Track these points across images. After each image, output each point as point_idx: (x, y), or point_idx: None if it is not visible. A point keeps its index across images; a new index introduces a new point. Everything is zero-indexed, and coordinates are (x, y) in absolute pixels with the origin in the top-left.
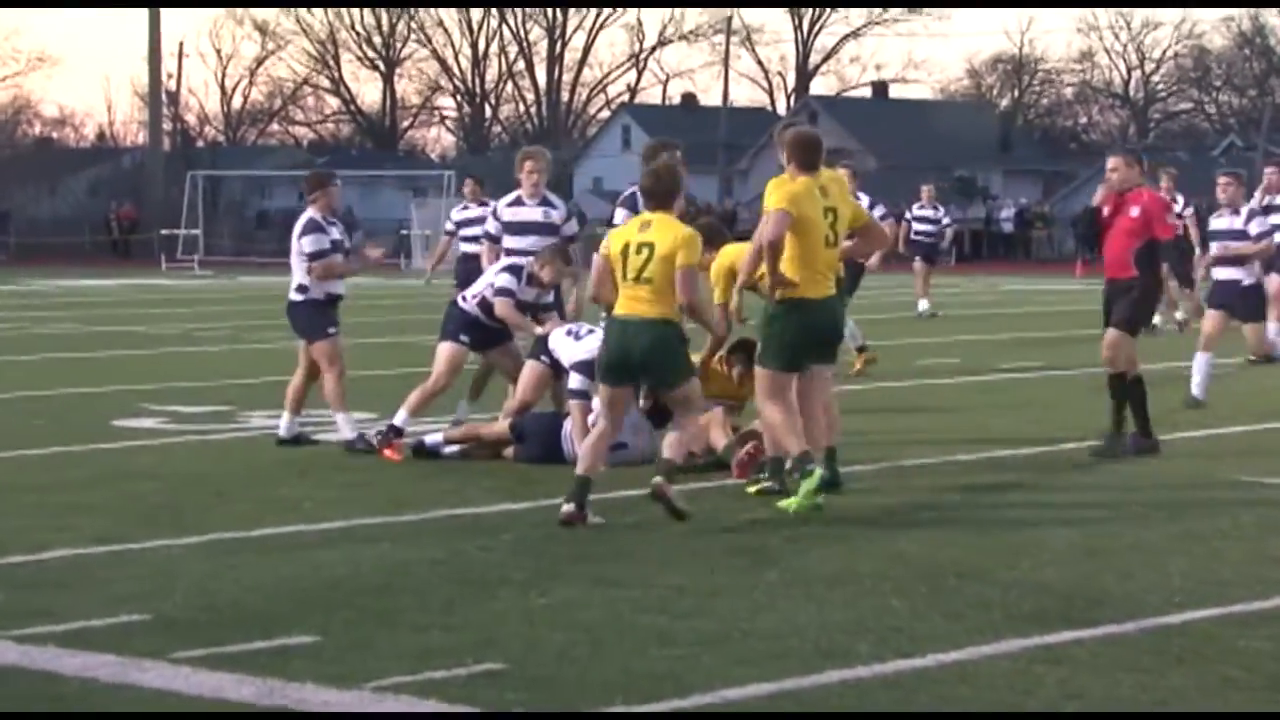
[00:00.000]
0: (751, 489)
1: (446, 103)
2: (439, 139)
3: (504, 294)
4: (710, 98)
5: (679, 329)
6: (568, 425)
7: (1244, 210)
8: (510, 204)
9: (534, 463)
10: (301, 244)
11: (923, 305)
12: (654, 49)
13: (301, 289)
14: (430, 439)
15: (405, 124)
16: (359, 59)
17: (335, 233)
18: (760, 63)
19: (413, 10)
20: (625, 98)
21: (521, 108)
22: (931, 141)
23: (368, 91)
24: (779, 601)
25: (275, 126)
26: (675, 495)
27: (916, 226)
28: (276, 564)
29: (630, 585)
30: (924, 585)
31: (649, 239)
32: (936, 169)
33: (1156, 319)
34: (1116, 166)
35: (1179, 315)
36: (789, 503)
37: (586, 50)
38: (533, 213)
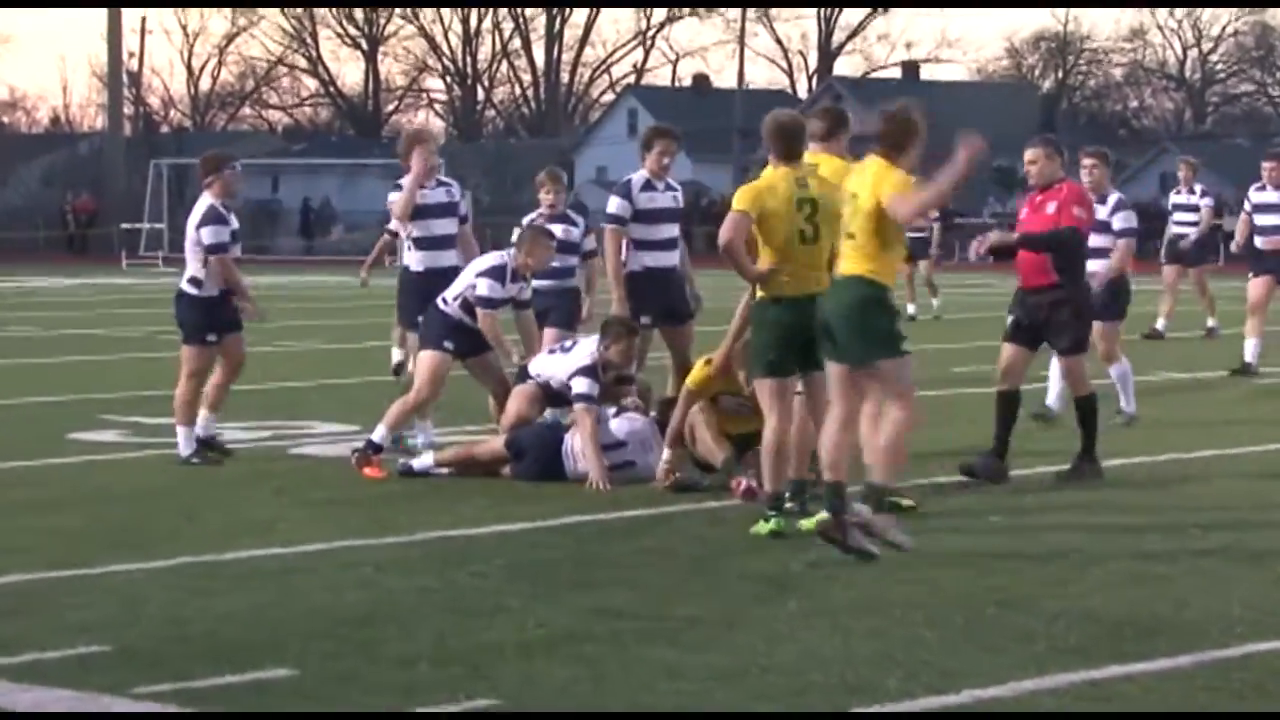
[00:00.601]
0: (764, 529)
1: (435, 84)
2: (427, 124)
3: (486, 304)
4: (724, 79)
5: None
6: (569, 440)
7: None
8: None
9: (532, 480)
10: (200, 234)
11: (910, 309)
12: (662, 26)
13: (194, 282)
14: (419, 463)
15: (390, 108)
16: (339, 36)
17: (234, 222)
18: (779, 41)
19: None
20: (631, 79)
21: (517, 90)
22: (966, 127)
23: (349, 72)
24: (800, 632)
25: (247, 110)
26: (884, 526)
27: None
28: (250, 591)
29: (637, 615)
30: (959, 615)
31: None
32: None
33: (1160, 323)
34: (1035, 159)
35: (1210, 323)
36: (811, 522)
37: (589, 27)
38: (553, 230)
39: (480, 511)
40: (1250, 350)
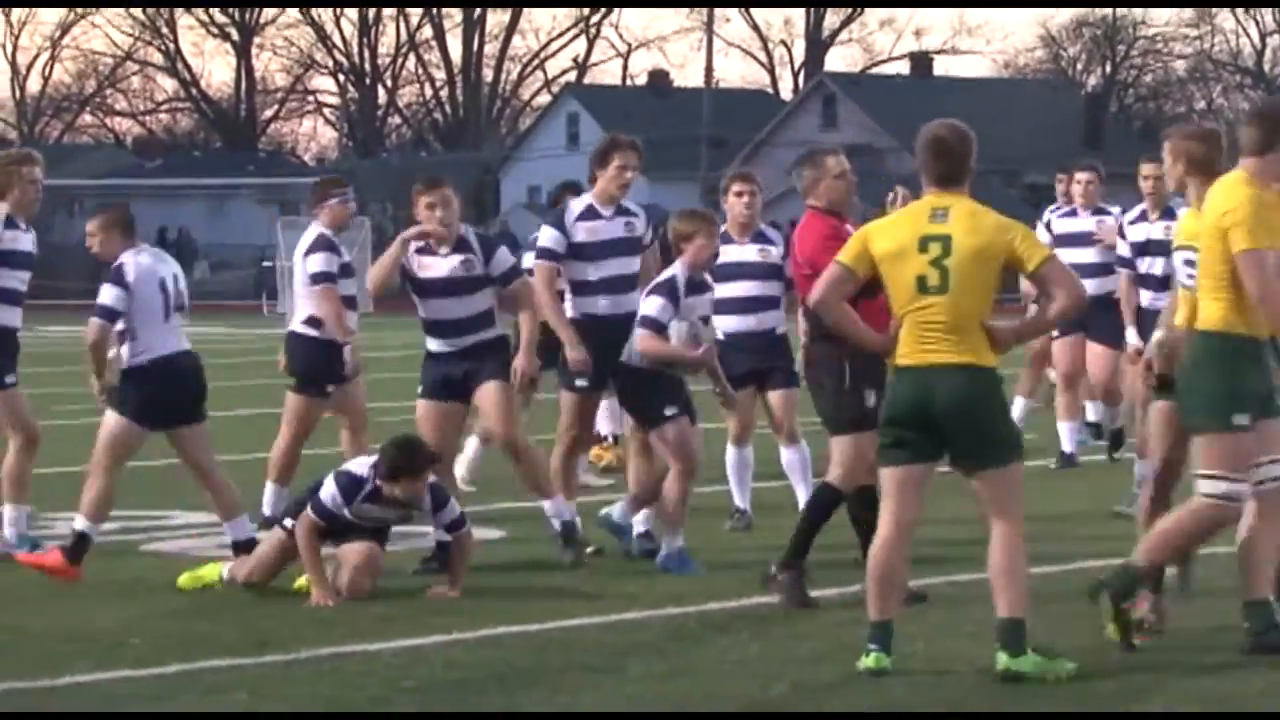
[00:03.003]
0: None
1: (324, 84)
2: (315, 134)
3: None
4: (688, 76)
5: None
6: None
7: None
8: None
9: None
10: (307, 263)
11: None
12: (609, 9)
13: (312, 322)
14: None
15: (267, 114)
16: (202, 25)
17: (345, 255)
18: (756, 28)
19: None
20: (571, 76)
21: (428, 91)
22: (991, 135)
23: (215, 69)
24: None
25: (88, 118)
26: None
27: None
28: None
29: None
30: None
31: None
32: (999, 172)
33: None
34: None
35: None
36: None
37: (517, 11)
38: (447, 263)
39: (381, 623)
40: (1069, 438)
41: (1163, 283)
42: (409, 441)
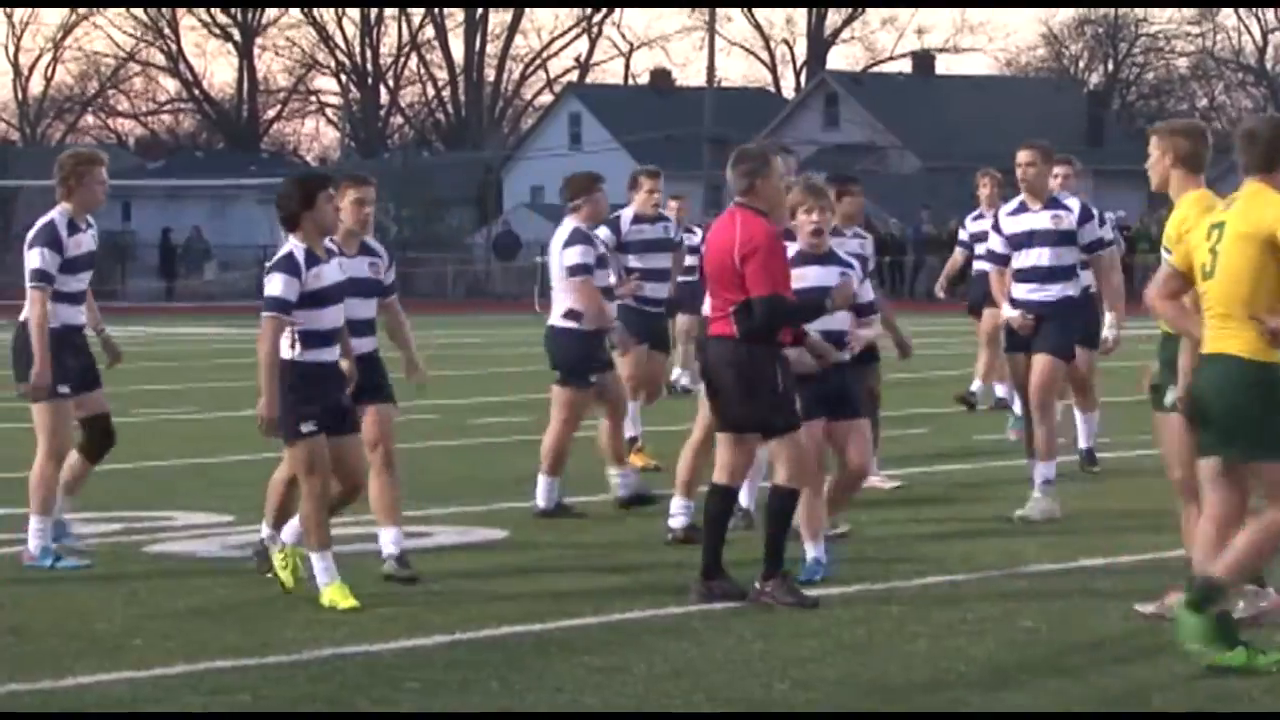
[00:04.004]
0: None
1: (327, 85)
2: (317, 135)
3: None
4: (690, 75)
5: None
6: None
7: None
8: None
9: None
10: (564, 255)
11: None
12: (611, 8)
13: (572, 315)
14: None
15: (269, 114)
16: (205, 26)
17: (600, 247)
18: (758, 27)
19: None
20: (573, 76)
21: (430, 91)
22: (993, 133)
23: (218, 70)
24: None
25: (90, 119)
26: None
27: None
28: None
29: None
30: None
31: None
32: (1000, 170)
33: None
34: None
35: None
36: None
37: (519, 11)
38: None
39: (384, 621)
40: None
41: (1049, 274)
42: (287, 183)
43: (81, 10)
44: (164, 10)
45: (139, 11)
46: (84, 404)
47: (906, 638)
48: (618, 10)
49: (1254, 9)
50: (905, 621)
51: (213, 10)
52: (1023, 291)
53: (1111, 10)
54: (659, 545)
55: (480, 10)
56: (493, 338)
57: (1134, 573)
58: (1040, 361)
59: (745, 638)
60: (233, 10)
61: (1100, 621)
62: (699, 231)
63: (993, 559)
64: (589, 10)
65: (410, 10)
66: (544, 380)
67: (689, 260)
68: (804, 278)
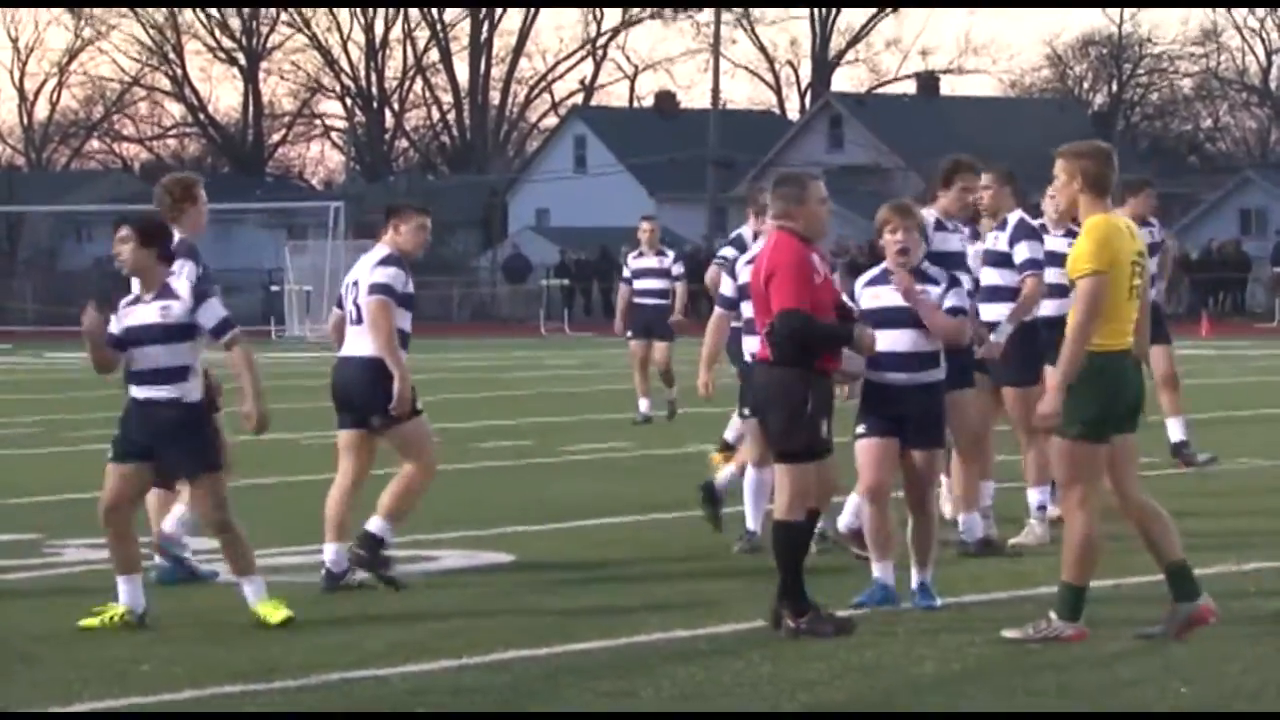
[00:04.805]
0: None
1: (332, 108)
2: (322, 158)
3: None
4: (695, 98)
5: None
6: None
7: None
8: None
9: None
10: None
11: None
12: (616, 31)
13: None
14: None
15: (274, 138)
16: (210, 50)
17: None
18: (763, 49)
19: None
20: (578, 99)
21: (435, 114)
22: (997, 154)
23: (223, 94)
24: None
25: (96, 144)
26: None
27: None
28: None
29: None
30: None
31: None
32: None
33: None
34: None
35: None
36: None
37: (524, 33)
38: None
39: (391, 648)
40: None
41: (994, 292)
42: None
43: (87, 33)
44: (169, 34)
45: (144, 36)
46: None
47: (914, 660)
48: (622, 33)
49: (1258, 27)
50: (913, 644)
51: (218, 34)
52: (993, 314)
53: (1116, 31)
54: (667, 568)
55: (485, 33)
56: (498, 360)
57: (1141, 595)
58: (1020, 391)
59: (753, 661)
60: (238, 34)
61: (1108, 644)
62: (670, 253)
63: (1001, 581)
64: (594, 33)
65: (415, 34)
66: (548, 403)
67: (658, 284)
68: (879, 297)
